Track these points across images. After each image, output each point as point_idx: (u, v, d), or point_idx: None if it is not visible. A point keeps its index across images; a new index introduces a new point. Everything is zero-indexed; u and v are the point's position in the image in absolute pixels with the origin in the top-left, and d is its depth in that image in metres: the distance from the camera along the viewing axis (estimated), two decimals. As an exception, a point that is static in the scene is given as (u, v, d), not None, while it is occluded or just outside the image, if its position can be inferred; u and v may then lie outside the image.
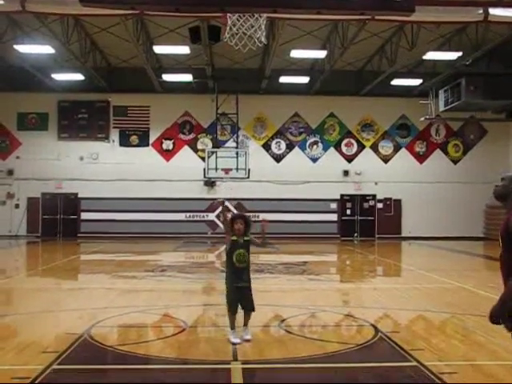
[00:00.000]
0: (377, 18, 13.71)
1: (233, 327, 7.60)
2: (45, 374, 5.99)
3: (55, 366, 6.31)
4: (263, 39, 6.78)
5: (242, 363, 6.48)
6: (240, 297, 7.57)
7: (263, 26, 6.33)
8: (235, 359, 6.68)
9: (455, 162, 31.00)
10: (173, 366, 6.56)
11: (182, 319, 9.04)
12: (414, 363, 6.50)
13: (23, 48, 22.13)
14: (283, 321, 9.07)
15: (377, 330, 8.23)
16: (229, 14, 5.77)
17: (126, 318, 9.24)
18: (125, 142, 30.02)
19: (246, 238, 7.73)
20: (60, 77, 26.71)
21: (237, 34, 7.13)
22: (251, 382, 5.96)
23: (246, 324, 7.74)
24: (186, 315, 9.43)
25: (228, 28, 6.71)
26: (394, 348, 7.24)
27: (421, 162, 30.84)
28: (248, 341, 7.47)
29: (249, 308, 7.70)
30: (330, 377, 6.34)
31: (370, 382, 6.21)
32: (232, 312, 7.62)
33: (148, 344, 7.53)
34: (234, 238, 7.66)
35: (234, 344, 7.31)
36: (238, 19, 6.05)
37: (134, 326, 8.73)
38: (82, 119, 29.88)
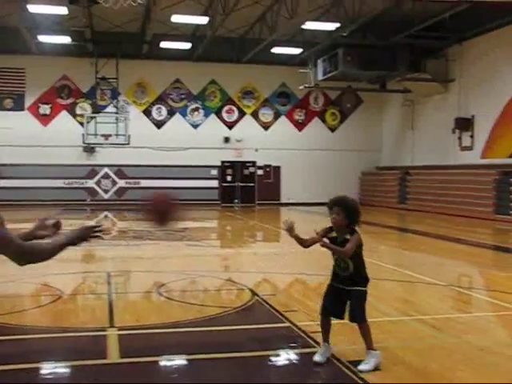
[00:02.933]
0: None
1: (323, 337, 5.50)
2: None
3: None
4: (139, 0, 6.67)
5: (119, 330, 6.49)
6: (335, 301, 5.40)
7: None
8: (112, 326, 6.67)
9: (332, 130, 31.95)
10: (47, 335, 6.45)
11: (57, 287, 8.89)
12: (288, 324, 6.75)
13: None
14: (161, 286, 9.11)
15: (254, 293, 8.44)
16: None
17: (-2, 287, 8.98)
18: (-2, 105, 28.69)
19: (346, 237, 5.25)
20: None
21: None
22: (127, 347, 5.98)
23: (366, 346, 5.32)
24: (63, 283, 9.28)
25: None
26: (270, 310, 7.48)
27: (300, 130, 31.54)
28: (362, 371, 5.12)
29: (350, 319, 5.39)
30: (205, 339, 6.47)
31: (244, 344, 6.38)
32: (321, 315, 5.55)
33: (22, 313, 7.38)
34: (333, 234, 5.35)
35: (315, 364, 5.32)
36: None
37: (6, 296, 8.49)
38: None
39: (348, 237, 5.23)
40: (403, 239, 18.10)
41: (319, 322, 5.55)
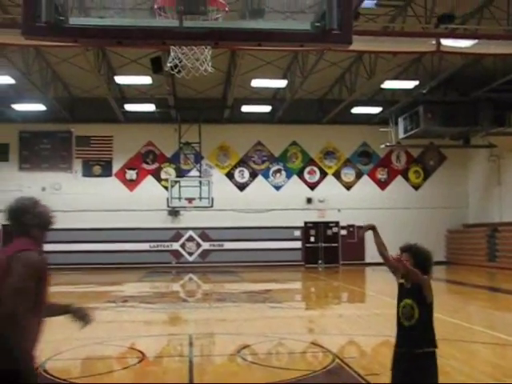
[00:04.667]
0: (334, 48, 13.99)
1: None
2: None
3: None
4: (209, 69, 6.89)
5: (198, 392, 6.49)
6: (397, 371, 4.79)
7: (209, 57, 6.46)
8: (191, 389, 6.67)
9: (416, 188, 31.46)
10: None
11: (141, 350, 9.00)
12: (369, 388, 6.57)
13: (-17, 79, 22.02)
14: (243, 349, 9.07)
15: (335, 356, 8.28)
16: (172, 47, 5.88)
17: (83, 350, 9.15)
18: (88, 172, 29.86)
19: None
20: (21, 107, 26.54)
21: (180, 62, 7.24)
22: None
23: None
24: (146, 346, 9.38)
25: (170, 58, 6.82)
26: (350, 374, 7.30)
27: (383, 189, 31.22)
28: None
29: None
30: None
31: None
32: None
33: (104, 376, 7.47)
34: (401, 280, 5.01)
35: None
36: (182, 51, 6.20)
37: (91, 358, 8.66)
38: (44, 150, 29.66)
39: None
40: (493, 299, 17.38)
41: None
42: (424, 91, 23.70)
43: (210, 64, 6.44)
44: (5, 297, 3.38)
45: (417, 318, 4.74)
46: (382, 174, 31.33)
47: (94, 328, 11.69)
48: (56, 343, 9.56)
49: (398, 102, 26.22)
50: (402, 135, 27.32)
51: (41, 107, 26.48)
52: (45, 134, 29.47)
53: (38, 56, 21.88)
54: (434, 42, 15.70)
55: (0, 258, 3.61)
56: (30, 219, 3.77)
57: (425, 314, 4.78)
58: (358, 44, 14.83)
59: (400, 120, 27.23)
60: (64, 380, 7.15)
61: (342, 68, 24.13)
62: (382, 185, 31.29)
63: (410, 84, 23.58)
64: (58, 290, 20.65)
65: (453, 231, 31.03)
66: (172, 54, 6.41)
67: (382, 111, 27.85)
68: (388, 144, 28.60)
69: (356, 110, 27.77)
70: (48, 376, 7.32)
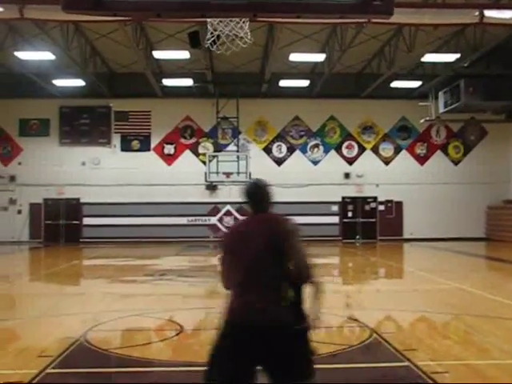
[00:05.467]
0: (373, 21, 13.81)
1: None
2: (38, 378, 6.04)
3: (49, 370, 6.36)
4: (248, 40, 6.80)
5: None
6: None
7: (247, 30, 6.35)
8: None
9: (456, 163, 31.01)
10: (165, 369, 6.63)
11: (179, 322, 9.09)
12: (407, 363, 6.53)
13: (24, 55, 22.22)
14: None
15: (372, 331, 8.26)
16: (209, 20, 5.81)
17: (122, 321, 9.30)
18: (126, 146, 30.09)
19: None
20: (61, 83, 26.79)
21: (217, 37, 7.15)
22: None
23: None
24: (184, 318, 9.48)
25: (209, 33, 6.73)
26: (388, 349, 7.27)
27: (422, 164, 30.85)
28: None
29: None
30: (320, 377, 6.37)
31: (360, 383, 6.24)
32: None
33: (143, 347, 7.58)
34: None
35: None
36: (219, 23, 6.10)
37: (130, 330, 8.79)
38: (83, 125, 29.94)
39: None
40: (534, 276, 17.13)
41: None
42: (465, 64, 23.24)
43: (248, 36, 6.32)
44: (295, 256, 3.92)
45: None
46: (421, 149, 30.94)
47: (133, 300, 11.89)
48: (97, 314, 9.74)
49: (438, 75, 25.74)
50: (441, 110, 26.85)
51: (80, 82, 26.69)
52: (84, 109, 29.74)
53: (77, 32, 21.99)
54: (476, 13, 15.32)
55: (258, 226, 4.07)
56: (269, 197, 4.23)
57: None
58: (399, 16, 14.57)
59: (440, 94, 26.75)
60: (104, 350, 7.28)
61: (381, 41, 23.74)
62: (421, 160, 30.91)
63: (450, 57, 23.11)
64: (97, 263, 21.03)
65: (493, 207, 30.56)
66: (209, 27, 6.31)
67: (421, 85, 27.38)
68: (428, 119, 28.14)
69: (395, 84, 27.35)
70: (89, 346, 7.47)
